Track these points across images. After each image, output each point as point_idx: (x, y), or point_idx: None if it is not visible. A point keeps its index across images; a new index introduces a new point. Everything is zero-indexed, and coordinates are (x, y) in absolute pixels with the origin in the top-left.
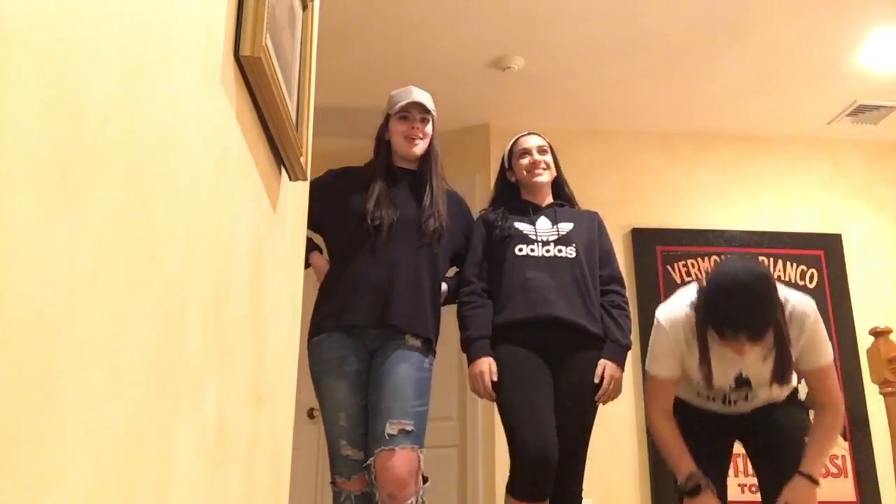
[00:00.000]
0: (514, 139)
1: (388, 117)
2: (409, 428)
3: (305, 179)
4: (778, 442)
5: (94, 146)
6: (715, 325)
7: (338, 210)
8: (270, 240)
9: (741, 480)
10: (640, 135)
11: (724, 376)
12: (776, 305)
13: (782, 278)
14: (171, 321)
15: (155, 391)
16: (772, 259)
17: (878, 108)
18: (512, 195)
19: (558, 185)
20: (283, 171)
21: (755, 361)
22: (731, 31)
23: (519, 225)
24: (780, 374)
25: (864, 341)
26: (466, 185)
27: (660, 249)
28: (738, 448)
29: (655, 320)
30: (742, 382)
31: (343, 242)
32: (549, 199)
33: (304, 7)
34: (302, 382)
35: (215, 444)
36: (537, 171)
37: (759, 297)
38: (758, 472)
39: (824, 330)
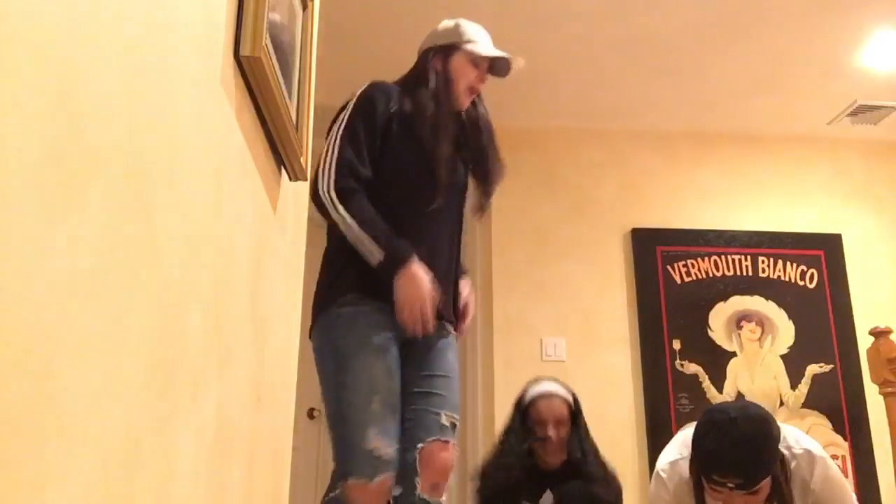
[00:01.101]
0: (532, 395)
1: (452, 48)
2: (458, 423)
3: (305, 179)
4: None
5: (94, 146)
6: (699, 467)
7: (391, 153)
8: (270, 240)
9: None
10: (640, 135)
11: None
12: (773, 454)
13: (782, 278)
14: (171, 321)
15: (155, 391)
16: (772, 259)
17: (878, 108)
18: (522, 454)
19: (574, 445)
20: (283, 171)
21: None
22: (732, 31)
23: None
24: None
25: (864, 341)
26: None
27: (660, 249)
28: None
29: (655, 469)
30: None
31: (390, 195)
32: (562, 456)
33: (304, 7)
34: (302, 382)
35: (215, 444)
36: (550, 451)
37: (752, 439)
38: None
39: (843, 482)
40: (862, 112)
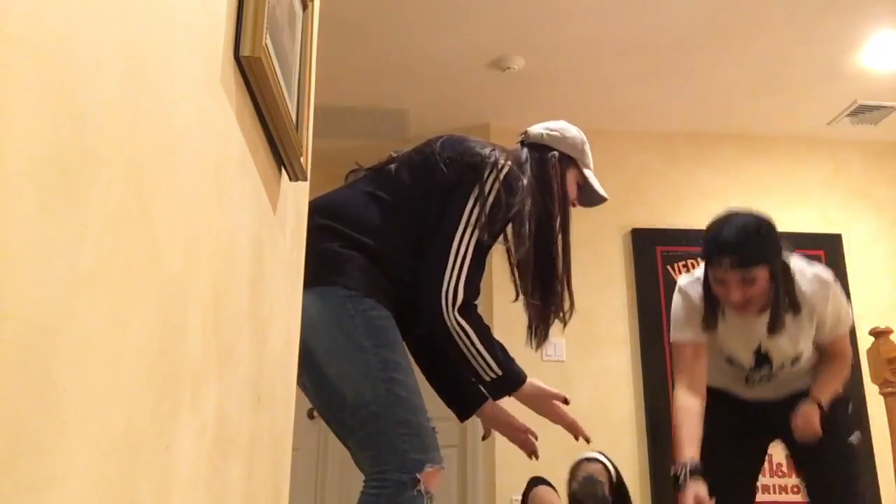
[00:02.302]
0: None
1: (572, 162)
2: None
3: (305, 179)
4: (823, 449)
5: (94, 146)
6: (703, 253)
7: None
8: (270, 240)
9: None
10: (641, 135)
11: (742, 349)
12: (769, 246)
13: None
14: (171, 321)
15: (155, 391)
16: None
17: (878, 108)
18: None
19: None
20: (283, 171)
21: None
22: (732, 31)
23: None
24: (773, 324)
25: (864, 341)
26: None
27: (660, 250)
28: None
29: (677, 285)
30: (762, 360)
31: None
32: None
33: (304, 7)
34: None
35: (215, 444)
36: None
37: (748, 224)
38: (801, 476)
39: (846, 304)
40: (862, 112)
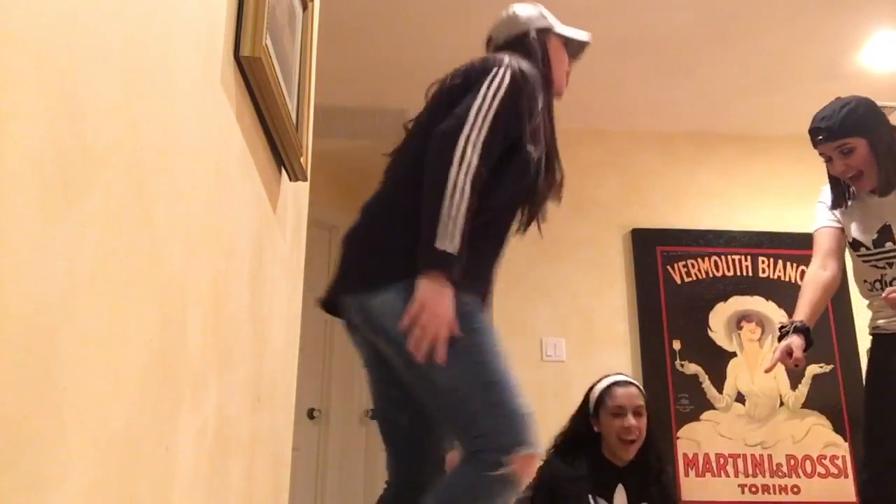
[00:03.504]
0: (606, 383)
1: (547, 32)
2: None
3: (305, 180)
4: None
5: (94, 146)
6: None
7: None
8: (270, 240)
9: (741, 480)
10: (641, 135)
11: (865, 229)
12: (860, 117)
13: (782, 279)
14: (171, 321)
15: (155, 391)
16: (772, 259)
17: None
18: (591, 444)
19: (648, 442)
20: (283, 171)
21: (890, 209)
22: (732, 31)
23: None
24: (882, 185)
25: (864, 341)
26: None
27: (660, 250)
28: (737, 448)
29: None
30: (884, 233)
31: (506, 195)
32: (635, 450)
33: (304, 7)
34: (302, 382)
35: (215, 444)
36: (630, 439)
37: (839, 104)
38: None
39: None
40: None
